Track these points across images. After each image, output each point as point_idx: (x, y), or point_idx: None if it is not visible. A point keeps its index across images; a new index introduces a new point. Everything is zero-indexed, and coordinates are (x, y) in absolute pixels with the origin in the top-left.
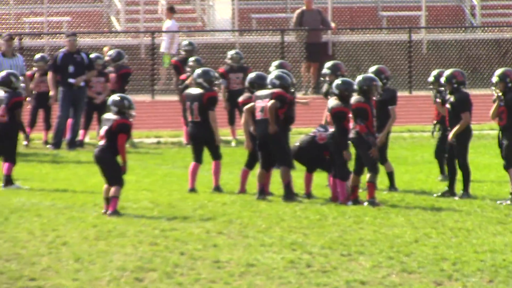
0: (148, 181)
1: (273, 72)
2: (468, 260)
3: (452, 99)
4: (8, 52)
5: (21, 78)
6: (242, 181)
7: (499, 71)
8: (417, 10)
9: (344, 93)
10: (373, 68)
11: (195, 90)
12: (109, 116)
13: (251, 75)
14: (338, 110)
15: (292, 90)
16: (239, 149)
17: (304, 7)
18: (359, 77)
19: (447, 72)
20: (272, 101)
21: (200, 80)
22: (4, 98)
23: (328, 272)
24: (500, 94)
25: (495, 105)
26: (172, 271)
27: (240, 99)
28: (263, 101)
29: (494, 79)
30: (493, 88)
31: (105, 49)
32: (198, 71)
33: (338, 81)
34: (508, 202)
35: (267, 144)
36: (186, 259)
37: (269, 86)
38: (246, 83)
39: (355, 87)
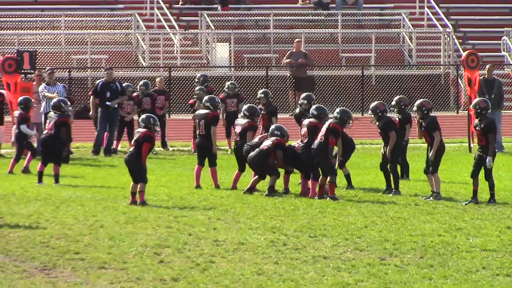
0: (165, 180)
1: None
2: (405, 241)
3: (380, 124)
4: (50, 82)
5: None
6: (235, 180)
7: (417, 102)
8: (368, 52)
9: (320, 115)
10: (305, 94)
11: (203, 111)
12: (139, 129)
13: (244, 106)
14: (313, 125)
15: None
16: (233, 156)
17: (293, 49)
18: (338, 109)
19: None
20: (278, 153)
21: (207, 104)
22: (54, 117)
23: (299, 249)
24: (420, 120)
25: (417, 128)
26: (182, 248)
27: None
28: (264, 144)
29: (414, 108)
30: (414, 115)
31: (158, 79)
32: (206, 97)
33: (314, 107)
34: (431, 198)
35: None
36: (193, 238)
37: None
38: (241, 112)
39: (336, 114)
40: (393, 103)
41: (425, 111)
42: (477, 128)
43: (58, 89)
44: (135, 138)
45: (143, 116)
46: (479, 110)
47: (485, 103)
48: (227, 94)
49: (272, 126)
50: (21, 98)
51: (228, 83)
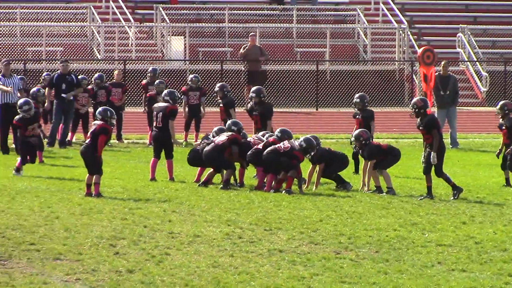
0: (120, 172)
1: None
2: (360, 235)
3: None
4: (6, 73)
5: (18, 94)
6: (199, 173)
7: (355, 133)
8: (323, 47)
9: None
10: (254, 88)
11: (162, 104)
12: (95, 122)
13: (164, 91)
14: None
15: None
16: (190, 149)
17: (249, 43)
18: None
19: None
20: (234, 148)
21: (167, 98)
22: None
23: (255, 242)
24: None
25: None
26: (137, 239)
27: None
28: (219, 139)
29: (352, 138)
30: (352, 145)
31: (115, 72)
32: (166, 91)
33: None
34: (384, 194)
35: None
36: (148, 230)
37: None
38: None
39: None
40: (356, 100)
41: (363, 141)
42: (420, 127)
43: (14, 80)
44: (91, 130)
45: (100, 108)
46: (417, 110)
47: (422, 101)
48: (190, 87)
49: (229, 121)
50: (32, 90)
51: (191, 76)
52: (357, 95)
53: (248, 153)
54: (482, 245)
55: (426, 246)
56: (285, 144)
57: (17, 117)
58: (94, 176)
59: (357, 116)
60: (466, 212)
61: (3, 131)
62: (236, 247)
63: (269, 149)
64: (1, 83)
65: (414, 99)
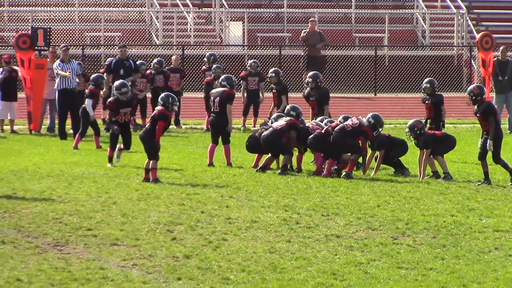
0: (177, 157)
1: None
2: (417, 221)
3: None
4: (65, 58)
5: (76, 79)
6: (257, 158)
7: (409, 123)
8: (381, 32)
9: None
10: (311, 73)
11: (219, 89)
12: (157, 107)
13: (222, 76)
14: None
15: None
16: (246, 134)
17: (308, 29)
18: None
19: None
20: (292, 133)
21: (224, 83)
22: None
23: (312, 228)
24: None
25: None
26: (195, 225)
27: None
28: (278, 124)
29: (406, 130)
30: (407, 136)
31: (173, 57)
32: (223, 76)
33: (370, 116)
34: (442, 180)
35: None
36: (205, 216)
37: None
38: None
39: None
40: (426, 85)
41: (418, 131)
42: (477, 114)
43: (72, 66)
44: (152, 115)
45: (163, 94)
46: (474, 97)
47: (479, 89)
48: (249, 72)
49: (288, 106)
50: (94, 75)
51: (250, 61)
52: (426, 80)
53: (310, 137)
54: None
55: (483, 232)
56: (354, 120)
57: (111, 98)
58: (151, 162)
59: (426, 102)
60: None
61: (61, 116)
62: (293, 232)
63: (337, 128)
64: (60, 68)
65: (470, 87)
